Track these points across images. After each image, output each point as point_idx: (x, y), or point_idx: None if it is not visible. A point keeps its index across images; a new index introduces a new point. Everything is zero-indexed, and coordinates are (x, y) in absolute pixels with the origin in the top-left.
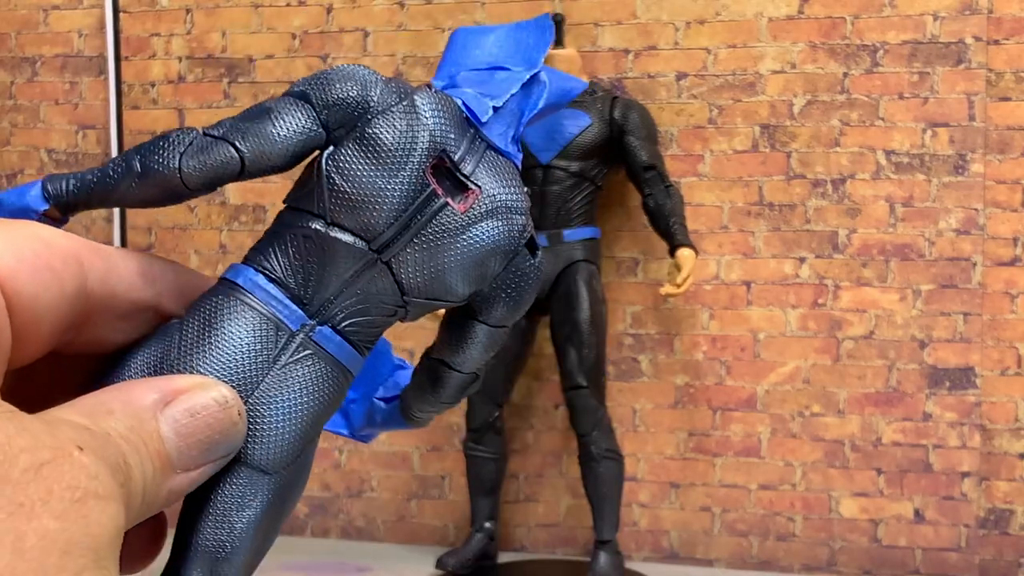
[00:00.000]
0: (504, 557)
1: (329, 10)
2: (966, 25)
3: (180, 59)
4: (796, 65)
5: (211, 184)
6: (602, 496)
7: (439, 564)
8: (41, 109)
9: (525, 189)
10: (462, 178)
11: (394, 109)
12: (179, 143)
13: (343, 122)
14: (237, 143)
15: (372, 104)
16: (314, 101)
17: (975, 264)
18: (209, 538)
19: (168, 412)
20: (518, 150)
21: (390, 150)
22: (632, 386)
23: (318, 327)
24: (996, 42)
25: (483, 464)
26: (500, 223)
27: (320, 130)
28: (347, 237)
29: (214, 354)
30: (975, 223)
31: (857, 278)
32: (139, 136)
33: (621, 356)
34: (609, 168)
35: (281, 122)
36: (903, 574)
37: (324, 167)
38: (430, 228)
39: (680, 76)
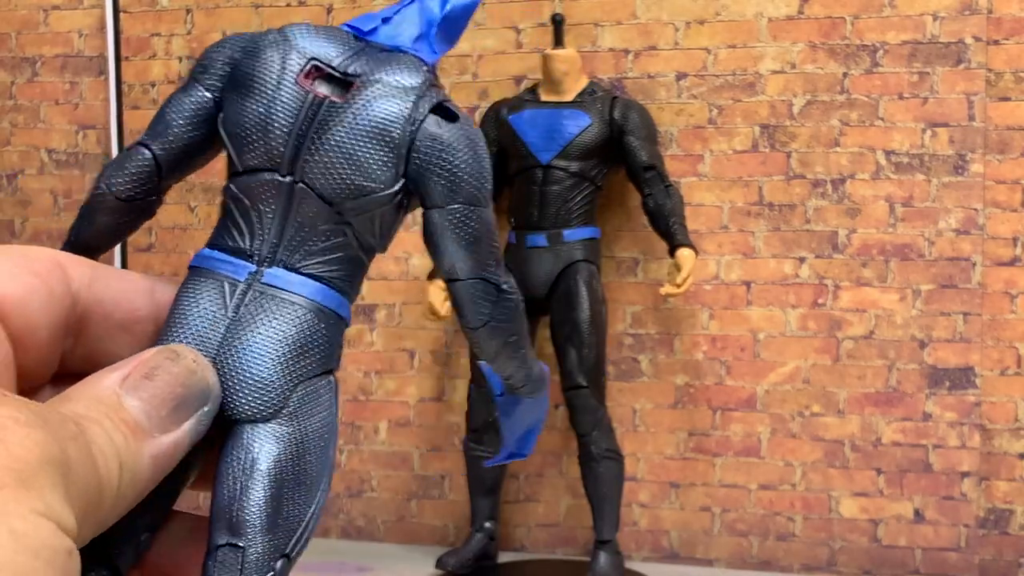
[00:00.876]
0: (504, 557)
1: (329, 10)
2: (966, 25)
3: (180, 59)
4: (796, 65)
5: (141, 189)
6: (602, 496)
7: (439, 564)
8: (41, 109)
9: (426, 69)
10: (342, 76)
11: (261, 45)
12: (105, 167)
13: (223, 81)
14: (145, 142)
15: (239, 52)
16: (196, 75)
17: (975, 264)
18: (224, 501)
19: (127, 383)
20: (432, 51)
21: (262, 77)
22: (632, 386)
23: (266, 271)
24: (996, 42)
25: (483, 464)
26: (385, 92)
27: (206, 94)
28: (262, 176)
29: (175, 329)
30: (975, 223)
31: (857, 278)
32: (139, 136)
33: (621, 356)
34: (609, 168)
35: (172, 105)
36: (903, 574)
37: (220, 127)
38: (322, 129)
39: (680, 76)
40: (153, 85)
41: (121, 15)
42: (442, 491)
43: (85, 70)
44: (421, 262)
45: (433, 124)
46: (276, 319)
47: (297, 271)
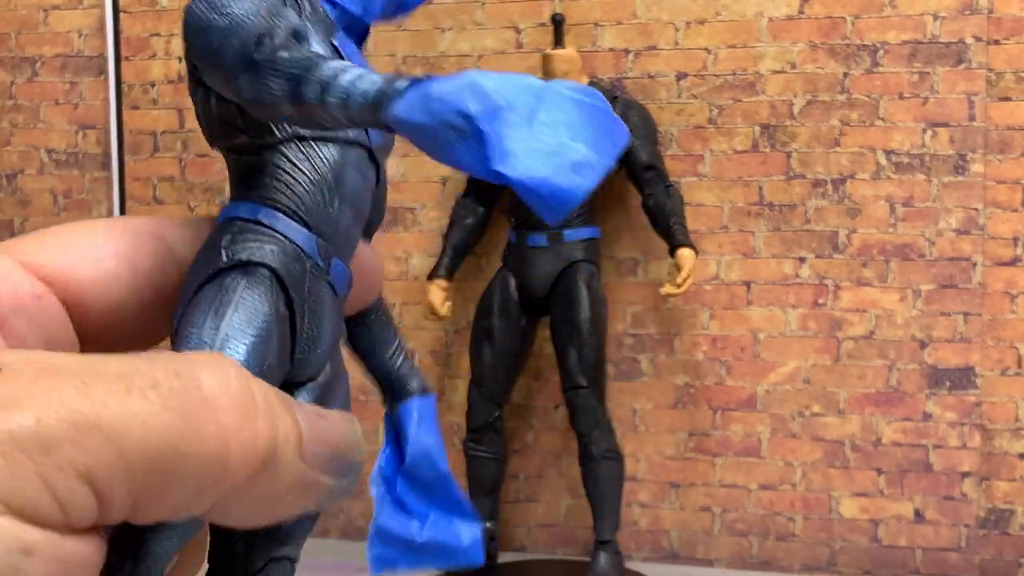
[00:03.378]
0: (504, 557)
1: None
2: (966, 25)
3: (180, 59)
4: (796, 65)
5: None
6: (602, 496)
7: None
8: (41, 109)
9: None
10: None
11: None
12: None
13: None
14: None
15: None
16: None
17: (975, 264)
18: None
19: (300, 407)
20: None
21: None
22: (632, 386)
23: None
24: (996, 42)
25: (483, 464)
26: None
27: None
28: None
29: None
30: (975, 223)
31: (857, 278)
32: (139, 136)
33: (621, 356)
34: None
35: None
36: (903, 574)
37: None
38: None
39: (680, 76)
40: (153, 85)
41: (121, 15)
42: None
43: (85, 70)
44: (421, 262)
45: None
46: None
47: None
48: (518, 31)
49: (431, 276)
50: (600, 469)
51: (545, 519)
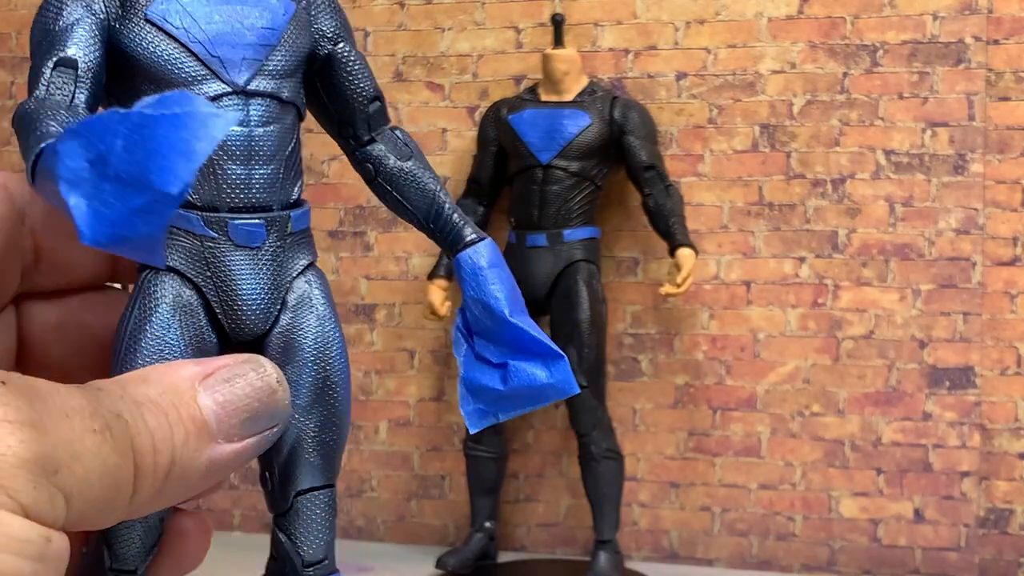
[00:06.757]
0: (504, 557)
1: None
2: (966, 25)
3: None
4: (796, 65)
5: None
6: (602, 496)
7: (439, 564)
8: None
9: None
10: None
11: None
12: None
13: None
14: None
15: None
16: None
17: (975, 264)
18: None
19: (207, 382)
20: None
21: None
22: (632, 386)
23: None
24: (996, 42)
25: (483, 464)
26: None
27: None
28: None
29: None
30: (975, 223)
31: (857, 278)
32: None
33: (621, 356)
34: (609, 168)
35: None
36: (903, 574)
37: None
38: None
39: (680, 76)
40: None
41: None
42: (442, 491)
43: None
44: (421, 262)
45: None
46: None
47: None
48: (518, 31)
49: (431, 276)
50: (600, 469)
51: (545, 519)
